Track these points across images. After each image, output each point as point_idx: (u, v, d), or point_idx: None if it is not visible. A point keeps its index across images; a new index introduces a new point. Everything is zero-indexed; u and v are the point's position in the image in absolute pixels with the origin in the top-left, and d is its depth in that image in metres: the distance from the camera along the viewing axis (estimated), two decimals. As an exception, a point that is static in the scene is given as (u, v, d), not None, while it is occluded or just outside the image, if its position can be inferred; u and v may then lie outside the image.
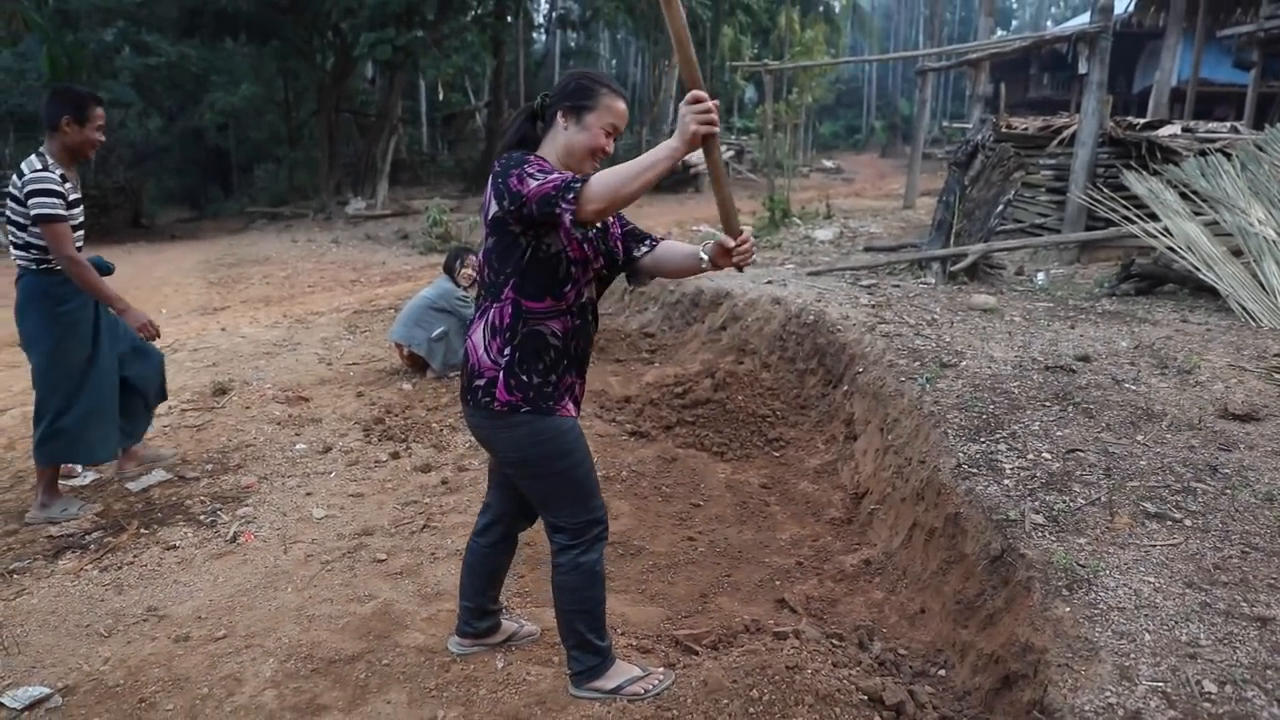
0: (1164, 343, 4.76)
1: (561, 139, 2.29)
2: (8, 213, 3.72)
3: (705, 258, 2.36)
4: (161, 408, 5.45)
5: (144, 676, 2.67)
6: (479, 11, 22.17)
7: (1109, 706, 1.99)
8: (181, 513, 3.95)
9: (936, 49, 18.27)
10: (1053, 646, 2.27)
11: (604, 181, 2.01)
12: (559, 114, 2.30)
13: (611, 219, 2.46)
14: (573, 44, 38.85)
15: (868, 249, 9.94)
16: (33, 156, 3.77)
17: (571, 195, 2.01)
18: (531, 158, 2.19)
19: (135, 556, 3.53)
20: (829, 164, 32.91)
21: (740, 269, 2.35)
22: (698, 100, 1.98)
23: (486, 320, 2.30)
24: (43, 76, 20.52)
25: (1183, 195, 6.60)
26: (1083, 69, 8.63)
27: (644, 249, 2.51)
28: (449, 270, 6.18)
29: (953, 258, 6.39)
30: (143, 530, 3.77)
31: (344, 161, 24.73)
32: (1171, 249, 5.93)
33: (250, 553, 3.57)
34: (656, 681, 2.55)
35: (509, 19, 22.97)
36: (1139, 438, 3.42)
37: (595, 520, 2.45)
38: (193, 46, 22.94)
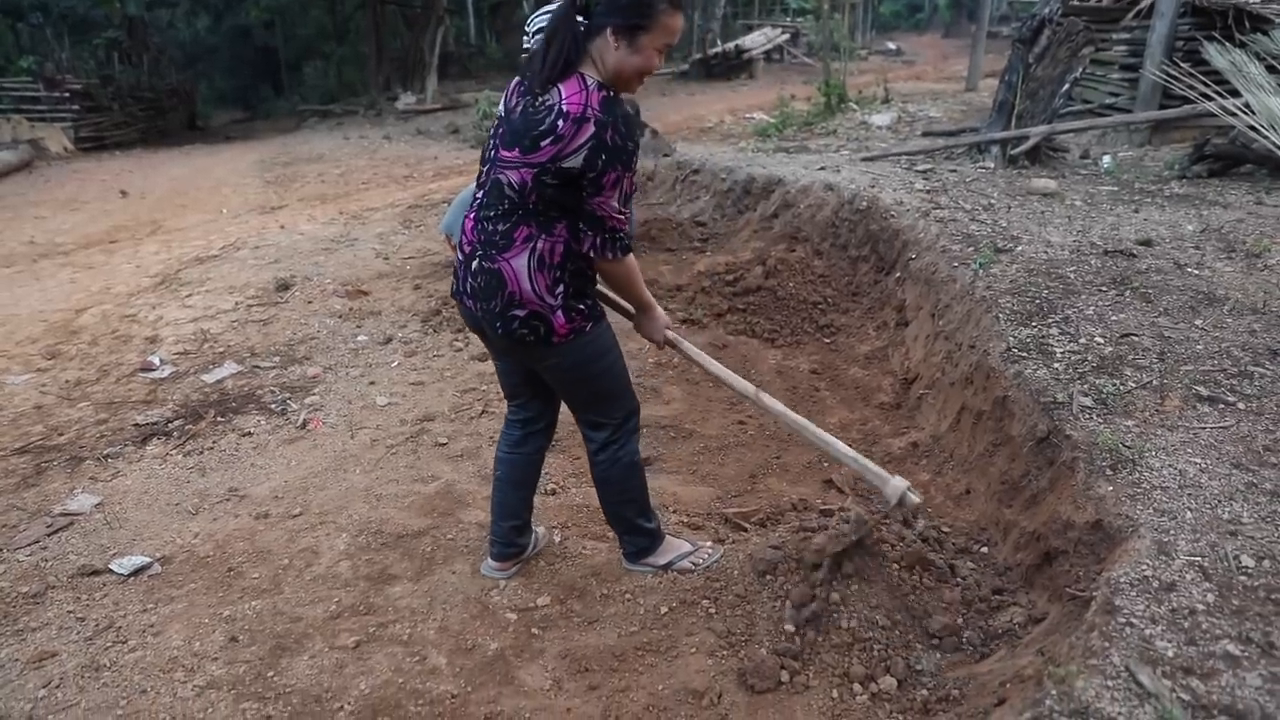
0: (1234, 226, 4.59)
1: (611, 60, 2.11)
2: None
3: None
4: (228, 303, 5.68)
5: (231, 549, 2.89)
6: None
7: (1145, 579, 2.04)
8: (254, 402, 4.16)
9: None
10: (1093, 523, 2.32)
11: (631, 271, 2.29)
12: (609, 30, 2.08)
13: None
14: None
15: (926, 134, 9.59)
16: None
17: (614, 251, 2.21)
18: (635, 159, 2.14)
19: (214, 442, 3.75)
20: (890, 46, 31.37)
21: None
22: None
23: (532, 252, 2.18)
24: (90, -24, 20.47)
25: (1270, 69, 6.20)
26: (1166, -69, 7.99)
27: None
28: None
29: (1013, 141, 6.15)
30: (219, 419, 3.98)
31: (392, 56, 24.42)
32: (1252, 127, 5.61)
33: (319, 438, 3.76)
34: (705, 556, 2.68)
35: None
36: (1197, 322, 3.36)
37: (631, 411, 2.52)
38: (235, -60, 22.55)
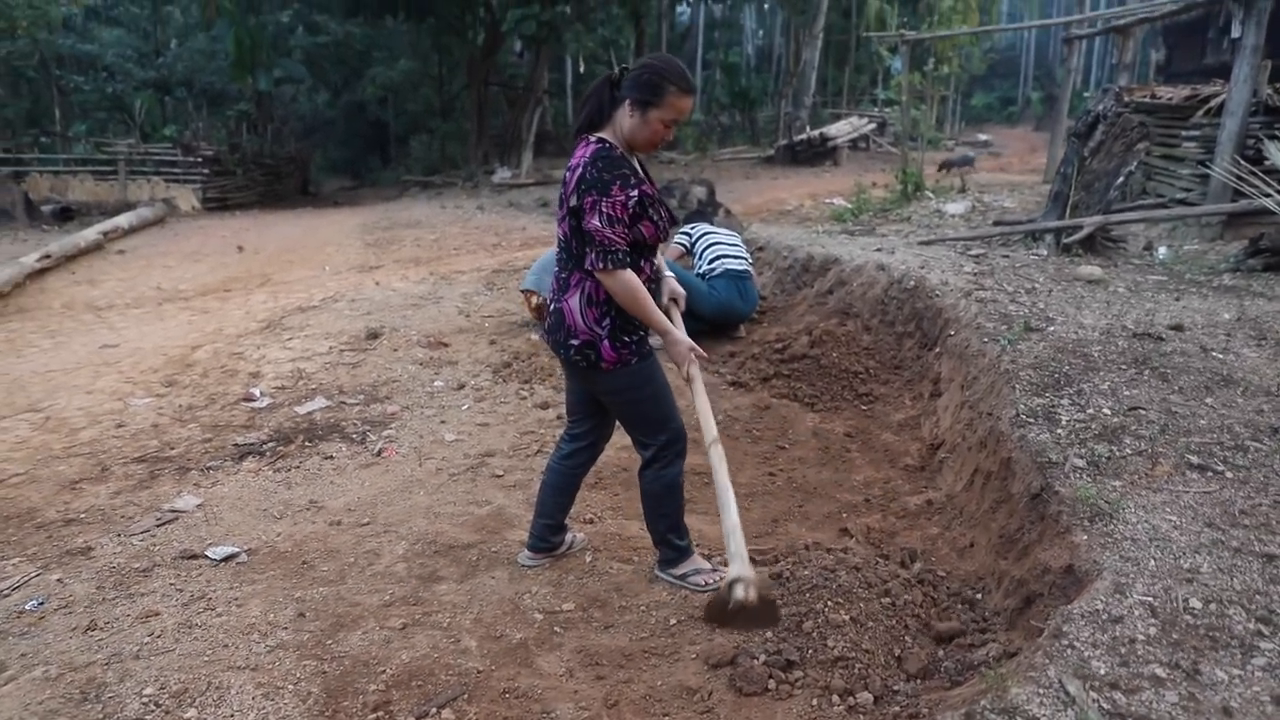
0: (1272, 317, 4.71)
1: (626, 125, 2.63)
2: None
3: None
4: (323, 347, 6.28)
5: (306, 547, 3.33)
6: (623, -15, 22.67)
7: (1095, 612, 2.26)
8: (337, 431, 4.66)
9: (1074, 16, 17.34)
10: (1065, 567, 2.55)
11: (626, 287, 2.59)
12: (627, 102, 2.58)
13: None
14: (717, 14, 38.81)
15: (997, 223, 9.82)
16: None
17: (605, 264, 2.57)
18: (614, 189, 2.54)
19: (300, 463, 4.25)
20: (980, 138, 31.66)
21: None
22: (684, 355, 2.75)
23: (583, 292, 2.68)
24: (229, 57, 22.58)
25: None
26: (1235, 32, 8.20)
27: None
28: None
29: (1067, 230, 6.38)
30: (306, 443, 4.49)
31: (492, 133, 25.94)
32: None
33: (391, 465, 4.22)
34: (718, 577, 2.99)
35: (651, -7, 23.35)
36: (1208, 400, 3.54)
37: (675, 437, 2.89)
38: (357, 25, 24.64)
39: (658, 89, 2.55)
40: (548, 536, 3.16)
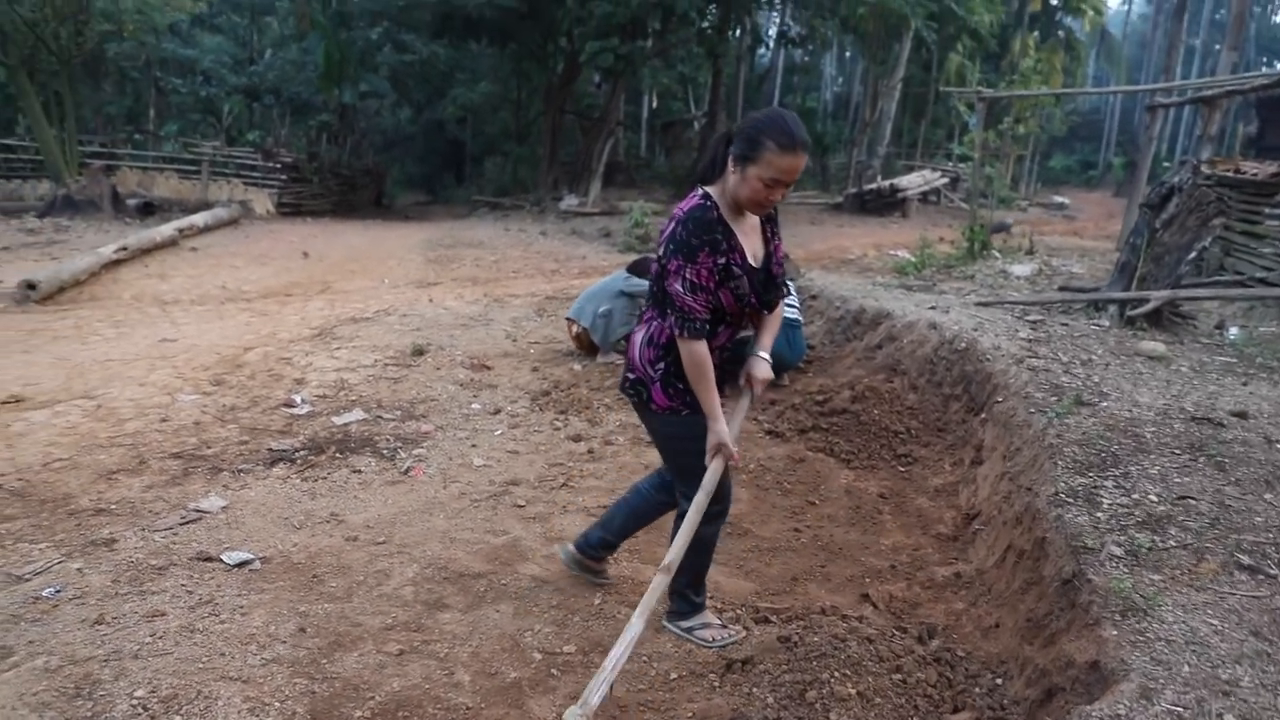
0: (1347, 411, 4.46)
1: (730, 183, 2.48)
2: None
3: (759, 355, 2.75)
4: (369, 359, 6.36)
5: (319, 561, 3.33)
6: (702, 25, 22.89)
7: (1117, 717, 2.12)
8: (369, 446, 4.69)
9: (1158, 85, 16.91)
10: (1091, 663, 2.40)
11: (693, 358, 2.52)
12: (732, 157, 2.44)
13: (779, 269, 2.75)
14: (797, 59, 38.97)
15: (1062, 289, 9.57)
16: None
17: (683, 332, 2.51)
18: (701, 254, 2.44)
19: (329, 474, 4.28)
20: (1056, 199, 31.06)
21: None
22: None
23: (648, 330, 2.66)
24: (318, 69, 23.40)
25: None
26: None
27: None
28: (634, 273, 6.68)
29: (1132, 302, 6.17)
30: (337, 455, 4.52)
31: (563, 160, 26.32)
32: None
33: (417, 484, 4.22)
34: (725, 635, 2.91)
35: (731, 33, 23.54)
36: (1267, 496, 3.34)
37: (717, 497, 2.75)
38: (442, 46, 25.30)
39: (755, 144, 2.39)
40: (599, 550, 3.16)
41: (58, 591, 2.94)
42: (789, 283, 7.17)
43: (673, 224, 2.52)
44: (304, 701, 2.40)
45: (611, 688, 2.10)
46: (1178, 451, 3.74)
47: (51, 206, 15.36)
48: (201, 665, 2.52)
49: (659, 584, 2.34)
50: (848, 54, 40.02)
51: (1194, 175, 6.04)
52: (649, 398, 2.68)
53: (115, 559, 3.22)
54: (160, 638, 2.65)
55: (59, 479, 4.04)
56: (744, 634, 2.95)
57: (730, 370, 2.80)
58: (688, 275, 2.47)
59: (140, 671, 2.46)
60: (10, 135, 20.42)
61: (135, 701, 2.32)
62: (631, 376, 2.71)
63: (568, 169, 25.80)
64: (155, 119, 25.53)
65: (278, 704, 2.37)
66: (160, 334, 7.10)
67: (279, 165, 19.57)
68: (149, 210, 16.05)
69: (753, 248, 2.64)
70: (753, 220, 2.65)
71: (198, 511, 3.69)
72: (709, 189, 2.55)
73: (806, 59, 38.85)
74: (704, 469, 2.70)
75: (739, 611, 3.24)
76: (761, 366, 2.74)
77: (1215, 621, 2.52)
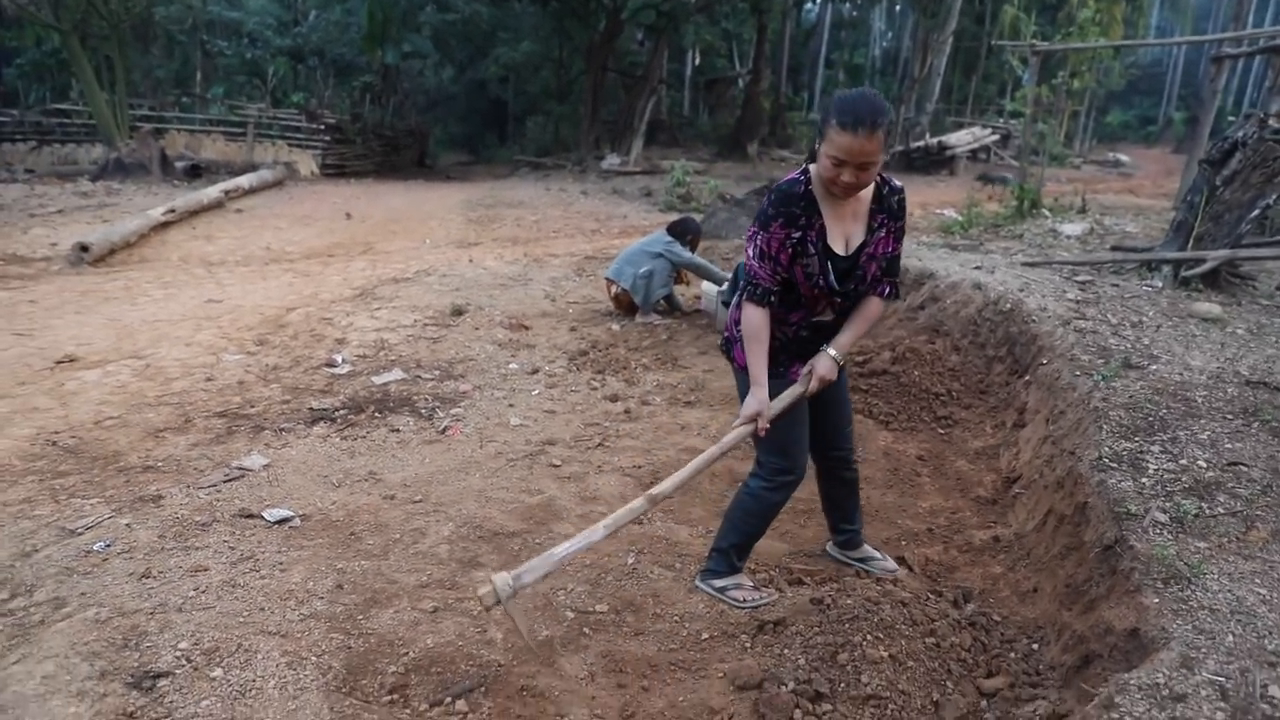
0: None
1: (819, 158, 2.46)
2: None
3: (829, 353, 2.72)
4: (409, 319, 6.41)
5: (357, 518, 3.39)
6: (746, -21, 22.39)
7: (1155, 685, 2.07)
8: (408, 405, 4.74)
9: (1224, 34, 16.13)
10: (1130, 630, 2.35)
11: (749, 322, 2.61)
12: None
13: (874, 264, 2.68)
14: (845, 14, 37.96)
15: (1114, 248, 9.27)
16: None
17: (746, 294, 2.62)
18: (774, 225, 2.49)
19: (368, 433, 4.33)
20: (1112, 156, 30.03)
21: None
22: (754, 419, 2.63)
23: (739, 293, 2.72)
24: (361, 29, 23.39)
25: None
26: None
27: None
28: (673, 233, 6.62)
29: (1188, 262, 5.95)
30: (377, 414, 4.58)
31: (606, 119, 26.10)
32: None
33: (454, 444, 4.26)
34: (757, 597, 2.90)
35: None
36: (1323, 463, 3.22)
37: (785, 470, 2.82)
38: (484, 5, 25.12)
39: (825, 121, 2.37)
40: (840, 526, 3.28)
41: (108, 545, 3.03)
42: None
43: (766, 196, 2.61)
44: (340, 656, 2.45)
45: (545, 578, 2.40)
46: (1230, 416, 3.62)
47: (104, 170, 15.69)
48: (242, 619, 2.58)
49: (638, 506, 2.57)
50: (897, 7, 38.78)
51: (1260, 129, 5.77)
52: (731, 355, 2.85)
53: (162, 515, 3.31)
54: (203, 592, 2.72)
55: (110, 436, 4.16)
56: (777, 596, 2.94)
57: (801, 353, 2.76)
58: (759, 242, 2.56)
59: (184, 624, 2.53)
60: (64, 100, 20.81)
61: (179, 653, 2.38)
62: (725, 334, 2.90)
63: (609, 128, 25.58)
64: (202, 82, 25.80)
65: (314, 658, 2.42)
66: (206, 295, 7.24)
67: (323, 126, 19.71)
68: (196, 172, 16.30)
69: (845, 231, 2.60)
70: (859, 205, 2.60)
71: (240, 469, 3.77)
72: (812, 165, 2.57)
73: (855, 13, 37.84)
74: (783, 438, 2.78)
75: (772, 573, 3.23)
76: (825, 363, 2.69)
77: (1263, 591, 2.44)
